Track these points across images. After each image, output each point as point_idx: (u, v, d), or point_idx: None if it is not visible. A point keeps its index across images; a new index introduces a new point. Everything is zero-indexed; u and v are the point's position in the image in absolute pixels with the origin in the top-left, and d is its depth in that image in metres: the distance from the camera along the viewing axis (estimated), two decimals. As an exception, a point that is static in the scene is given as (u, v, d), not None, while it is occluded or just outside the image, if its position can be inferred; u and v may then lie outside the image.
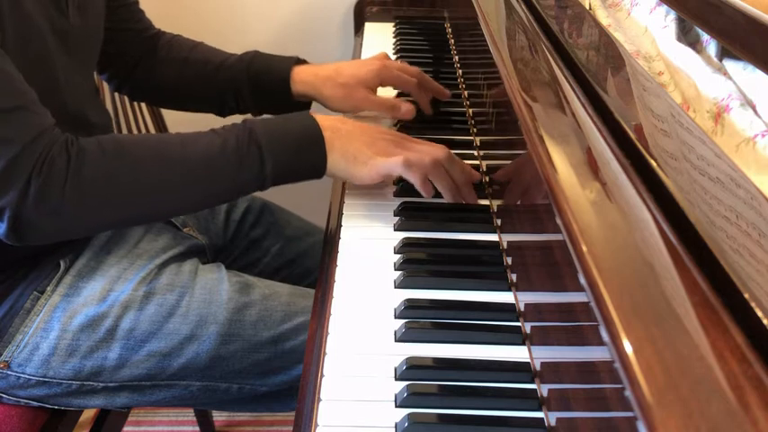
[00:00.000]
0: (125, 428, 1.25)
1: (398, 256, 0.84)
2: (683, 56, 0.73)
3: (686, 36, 0.78)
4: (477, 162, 1.02)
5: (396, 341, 0.71)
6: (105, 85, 1.33)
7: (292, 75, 1.14)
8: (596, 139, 0.62)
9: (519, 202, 0.79)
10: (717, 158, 0.55)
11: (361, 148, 0.90)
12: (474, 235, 0.88)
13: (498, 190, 0.90)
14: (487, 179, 0.97)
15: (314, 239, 1.24)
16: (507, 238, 0.84)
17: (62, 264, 0.96)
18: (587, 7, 0.95)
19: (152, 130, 1.57)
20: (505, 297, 0.77)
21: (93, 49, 1.07)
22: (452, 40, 1.48)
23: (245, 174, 0.88)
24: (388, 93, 1.22)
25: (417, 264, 0.83)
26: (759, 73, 0.62)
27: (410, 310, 0.75)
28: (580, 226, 0.52)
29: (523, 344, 0.71)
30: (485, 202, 0.94)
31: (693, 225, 0.49)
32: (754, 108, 0.60)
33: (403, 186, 0.97)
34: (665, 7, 0.81)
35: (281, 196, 1.35)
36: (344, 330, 0.73)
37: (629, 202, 0.53)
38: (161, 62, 1.19)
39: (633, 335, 0.42)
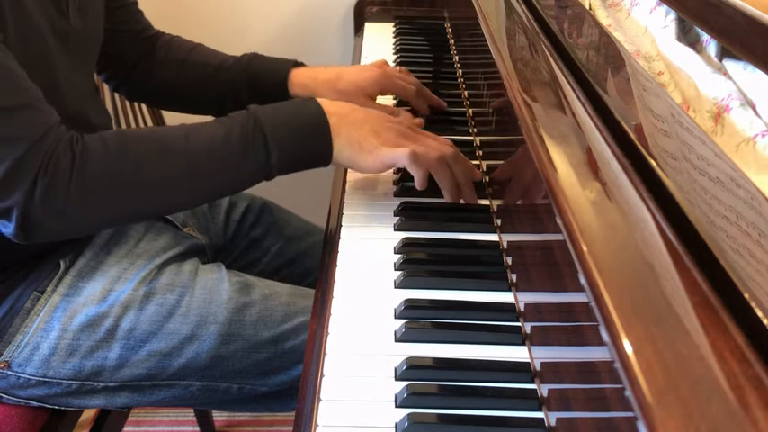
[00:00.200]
0: (125, 428, 1.25)
1: (398, 256, 0.84)
2: (683, 56, 0.73)
3: (686, 36, 0.78)
4: (477, 162, 1.02)
5: (396, 341, 0.71)
6: (106, 86, 1.32)
7: (290, 77, 1.14)
8: (596, 139, 0.62)
9: (519, 202, 0.79)
10: (717, 158, 0.55)
11: (367, 136, 0.89)
12: (474, 235, 0.88)
13: (498, 190, 0.90)
14: (487, 179, 0.97)
15: (314, 239, 1.24)
16: (507, 238, 0.84)
17: (62, 264, 0.96)
18: (587, 7, 0.95)
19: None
20: (505, 297, 0.77)
21: (92, 49, 1.07)
22: (452, 40, 1.48)
23: (251, 163, 0.87)
24: (386, 101, 1.22)
25: (417, 264, 0.83)
26: (759, 73, 0.62)
27: (410, 310, 0.75)
28: (580, 226, 0.52)
29: (523, 344, 0.71)
30: (485, 202, 0.94)
31: (693, 225, 0.49)
32: (754, 108, 0.60)
33: (403, 186, 0.97)
34: (665, 7, 0.81)
35: (281, 196, 1.35)
36: (344, 330, 0.73)
37: (629, 202, 0.53)
38: (159, 63, 1.19)
39: (633, 335, 0.42)
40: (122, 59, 1.18)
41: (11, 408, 0.96)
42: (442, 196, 0.93)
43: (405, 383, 0.65)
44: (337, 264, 0.83)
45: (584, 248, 0.50)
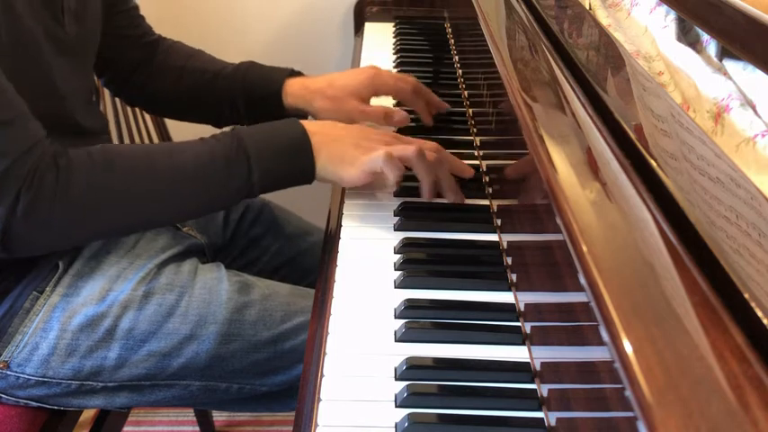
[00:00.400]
0: (125, 428, 1.25)
1: (398, 256, 0.84)
2: (683, 56, 0.73)
3: (686, 36, 0.78)
4: (477, 162, 1.02)
5: (396, 341, 0.71)
6: (107, 91, 1.32)
7: (285, 87, 1.14)
8: (596, 139, 0.62)
9: (519, 202, 0.79)
10: (717, 158, 0.55)
11: (347, 149, 0.90)
12: (474, 235, 0.88)
13: (498, 190, 0.90)
14: (487, 179, 0.97)
15: (314, 239, 1.24)
16: (507, 238, 0.84)
17: (61, 264, 0.96)
18: (587, 7, 0.95)
19: (154, 135, 1.57)
20: (505, 297, 0.77)
21: (89, 54, 1.07)
22: (452, 40, 1.48)
23: (234, 181, 0.88)
24: (386, 102, 1.21)
25: (417, 264, 0.83)
26: (759, 73, 0.62)
27: (410, 310, 0.75)
28: (580, 226, 0.52)
29: (523, 344, 0.71)
30: (485, 202, 0.94)
31: (693, 225, 0.49)
32: (754, 108, 0.60)
33: (403, 186, 0.97)
34: (665, 7, 0.81)
35: (281, 196, 1.34)
36: (344, 330, 0.73)
37: (629, 202, 0.53)
38: (158, 70, 1.19)
39: (633, 335, 0.42)
40: (121, 64, 1.18)
41: (10, 408, 0.96)
42: (441, 196, 0.93)
43: (405, 383, 0.65)
44: (337, 264, 0.83)
45: (584, 248, 0.50)
